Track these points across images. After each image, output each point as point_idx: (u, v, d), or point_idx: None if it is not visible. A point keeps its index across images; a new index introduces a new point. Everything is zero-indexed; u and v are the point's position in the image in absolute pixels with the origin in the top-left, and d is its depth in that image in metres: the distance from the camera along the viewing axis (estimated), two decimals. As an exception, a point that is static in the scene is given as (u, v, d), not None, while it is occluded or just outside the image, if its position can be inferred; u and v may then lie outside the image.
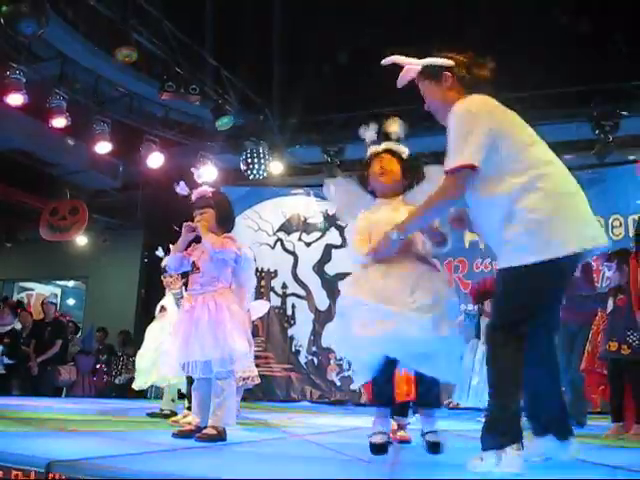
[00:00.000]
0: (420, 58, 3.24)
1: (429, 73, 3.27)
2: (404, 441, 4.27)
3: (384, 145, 3.64)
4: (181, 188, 4.63)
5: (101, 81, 9.44)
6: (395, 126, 3.68)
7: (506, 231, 2.94)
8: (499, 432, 2.86)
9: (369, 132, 3.68)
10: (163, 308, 6.17)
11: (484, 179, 2.99)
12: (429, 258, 3.49)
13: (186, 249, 4.39)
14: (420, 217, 3.22)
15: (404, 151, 3.64)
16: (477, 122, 2.99)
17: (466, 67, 3.24)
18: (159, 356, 5.59)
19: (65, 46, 8.48)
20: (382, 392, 3.38)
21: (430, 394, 3.44)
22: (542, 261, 2.84)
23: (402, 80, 3.31)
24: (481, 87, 3.20)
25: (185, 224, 4.36)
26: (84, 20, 8.06)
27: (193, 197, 4.48)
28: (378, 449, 3.21)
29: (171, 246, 5.62)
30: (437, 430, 3.39)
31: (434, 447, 3.31)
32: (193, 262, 4.29)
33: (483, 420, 3.03)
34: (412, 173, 3.62)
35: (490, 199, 3.00)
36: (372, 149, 3.67)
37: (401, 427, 4.42)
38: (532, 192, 2.91)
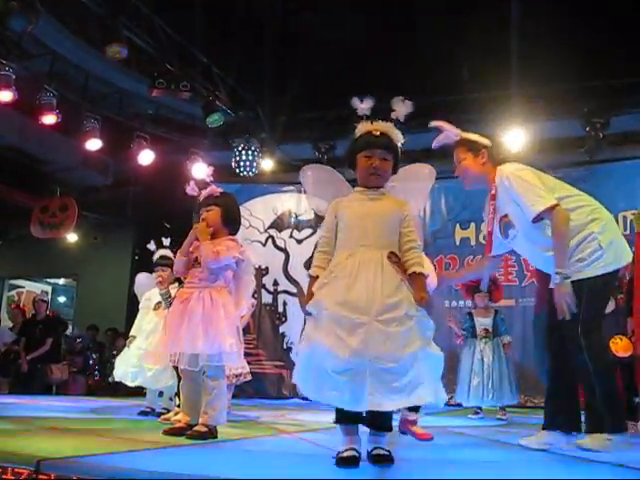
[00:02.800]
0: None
1: (470, 146, 4.03)
2: (425, 438, 4.06)
3: (381, 127, 3.22)
4: (191, 188, 4.64)
5: (91, 78, 9.39)
6: (403, 107, 3.31)
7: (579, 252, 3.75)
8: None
9: (364, 105, 3.33)
10: (159, 304, 6.10)
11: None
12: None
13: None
14: (562, 250, 3.74)
15: (399, 141, 3.28)
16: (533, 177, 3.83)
17: (496, 148, 4.10)
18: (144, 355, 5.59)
19: (55, 43, 8.44)
20: (350, 414, 2.97)
21: (380, 416, 3.02)
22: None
23: (438, 142, 3.99)
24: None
25: (192, 230, 4.35)
26: (74, 16, 8.02)
27: (201, 196, 4.49)
28: (347, 461, 2.90)
29: (163, 239, 5.60)
30: (383, 447, 3.05)
31: (380, 459, 2.99)
32: (195, 257, 4.29)
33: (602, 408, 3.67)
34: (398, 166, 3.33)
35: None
36: (365, 127, 3.25)
37: (414, 423, 4.18)
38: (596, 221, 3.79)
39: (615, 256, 3.82)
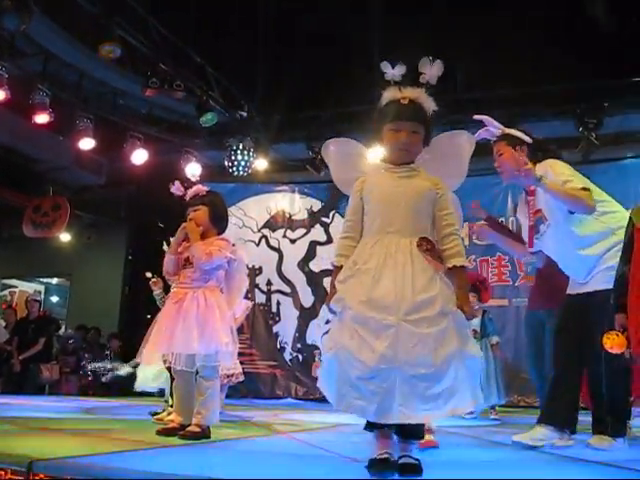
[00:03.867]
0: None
1: (510, 141, 4.15)
2: (430, 446, 3.73)
3: (410, 94, 2.80)
4: (176, 188, 4.63)
5: (85, 77, 9.37)
6: (432, 69, 2.91)
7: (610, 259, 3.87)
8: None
9: (395, 71, 2.87)
10: None
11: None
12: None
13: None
14: (559, 192, 3.82)
15: (431, 108, 2.84)
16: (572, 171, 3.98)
17: (539, 146, 4.19)
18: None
19: (48, 42, 8.42)
20: None
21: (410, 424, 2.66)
22: None
23: (479, 135, 4.08)
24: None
25: (180, 229, 4.33)
26: (68, 16, 8.00)
27: (188, 196, 4.48)
28: (380, 463, 2.59)
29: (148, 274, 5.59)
30: (412, 455, 2.71)
31: (407, 469, 2.61)
32: (187, 257, 4.28)
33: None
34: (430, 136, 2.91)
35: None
36: (391, 95, 2.82)
37: (429, 431, 3.73)
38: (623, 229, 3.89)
39: None
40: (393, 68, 2.86)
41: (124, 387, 6.28)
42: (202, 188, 4.46)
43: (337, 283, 2.73)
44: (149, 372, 6.03)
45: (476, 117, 4.17)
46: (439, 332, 2.56)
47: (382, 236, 2.71)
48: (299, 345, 10.72)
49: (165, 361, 4.21)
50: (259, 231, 11.24)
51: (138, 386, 6.21)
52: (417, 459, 2.66)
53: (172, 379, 4.57)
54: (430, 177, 2.83)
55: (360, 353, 2.54)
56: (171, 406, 5.07)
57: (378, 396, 2.53)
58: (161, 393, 6.24)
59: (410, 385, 2.51)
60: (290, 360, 10.75)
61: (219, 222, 4.42)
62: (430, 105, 2.80)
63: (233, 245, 4.43)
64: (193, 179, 4.75)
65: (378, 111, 2.87)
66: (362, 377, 2.54)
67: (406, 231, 2.71)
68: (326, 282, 10.60)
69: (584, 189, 3.84)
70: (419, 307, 2.57)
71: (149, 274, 5.82)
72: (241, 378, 5.85)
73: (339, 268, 2.77)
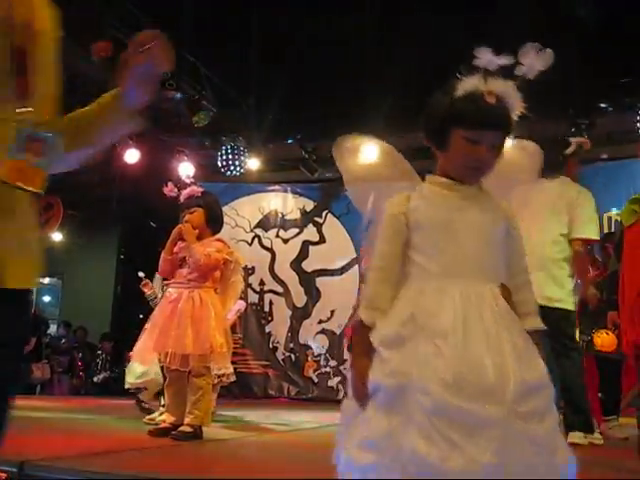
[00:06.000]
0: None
1: None
2: None
3: (499, 89, 1.88)
4: (169, 190, 4.63)
5: (77, 75, 9.34)
6: (538, 59, 2.04)
7: None
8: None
9: (496, 59, 1.93)
10: None
11: None
12: None
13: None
14: None
15: (518, 108, 1.94)
16: None
17: None
18: None
19: (40, 40, 8.39)
20: None
21: None
22: None
23: None
24: None
25: (175, 229, 4.32)
26: (59, 14, 7.97)
27: (182, 197, 4.48)
28: None
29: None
30: None
31: None
32: (183, 257, 4.27)
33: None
34: None
35: None
36: (474, 85, 1.85)
37: None
38: None
39: None
40: (497, 55, 1.96)
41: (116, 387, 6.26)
42: (197, 189, 4.46)
43: (383, 348, 1.72)
44: (137, 369, 6.03)
45: None
46: (552, 432, 1.67)
47: (448, 281, 1.77)
48: (292, 345, 10.71)
49: (160, 360, 4.22)
50: (252, 231, 11.23)
51: (127, 383, 6.20)
52: None
53: (164, 378, 4.56)
54: (498, 201, 1.93)
55: (446, 464, 1.52)
56: (163, 406, 5.07)
57: None
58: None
59: None
60: (283, 360, 10.74)
61: (215, 224, 4.43)
62: (518, 105, 1.94)
63: (229, 247, 4.44)
64: (188, 180, 4.73)
65: (446, 101, 1.88)
66: None
67: (482, 275, 1.80)
68: (319, 282, 10.61)
69: None
70: (530, 391, 1.64)
71: (142, 274, 5.81)
72: (232, 378, 5.85)
73: (369, 329, 1.77)
